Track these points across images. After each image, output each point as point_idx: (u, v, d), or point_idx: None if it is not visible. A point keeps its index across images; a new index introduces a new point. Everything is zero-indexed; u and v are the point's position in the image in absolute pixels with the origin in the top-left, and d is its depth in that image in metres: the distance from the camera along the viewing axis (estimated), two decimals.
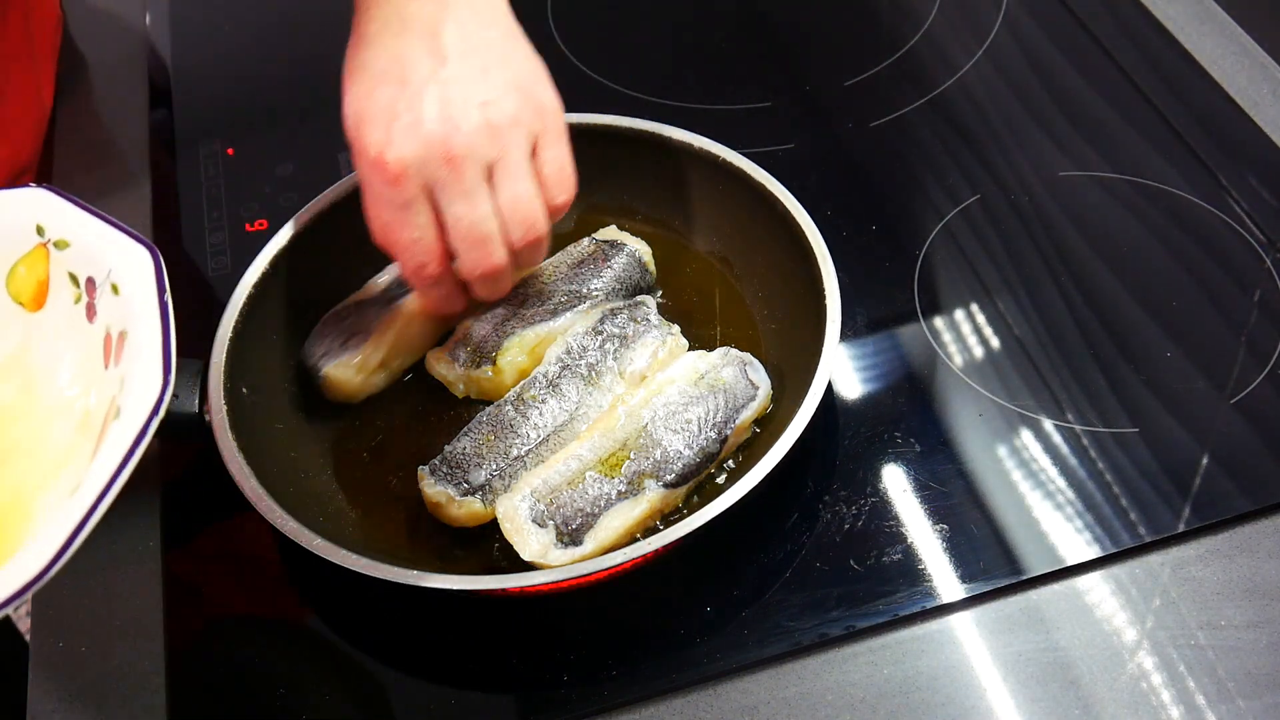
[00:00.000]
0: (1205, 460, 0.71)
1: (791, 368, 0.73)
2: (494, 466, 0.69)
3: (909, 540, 0.69)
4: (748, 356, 0.73)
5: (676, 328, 0.76)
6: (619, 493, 0.67)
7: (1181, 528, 0.68)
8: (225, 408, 0.68)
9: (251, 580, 0.72)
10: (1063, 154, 0.89)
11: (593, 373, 0.73)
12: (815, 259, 0.72)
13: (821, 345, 0.69)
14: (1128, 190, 0.86)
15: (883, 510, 0.70)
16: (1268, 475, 0.70)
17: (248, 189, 0.92)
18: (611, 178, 0.82)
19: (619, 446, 0.69)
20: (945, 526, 0.69)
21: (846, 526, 0.70)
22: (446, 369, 0.75)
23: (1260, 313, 0.78)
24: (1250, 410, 0.73)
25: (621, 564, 0.62)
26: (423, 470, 0.70)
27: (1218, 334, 0.77)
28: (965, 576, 0.67)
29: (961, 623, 0.66)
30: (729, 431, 0.70)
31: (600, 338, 0.74)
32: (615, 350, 0.74)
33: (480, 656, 0.67)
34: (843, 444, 0.74)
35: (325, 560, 0.62)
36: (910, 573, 0.68)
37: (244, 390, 0.71)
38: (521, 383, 0.73)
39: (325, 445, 0.75)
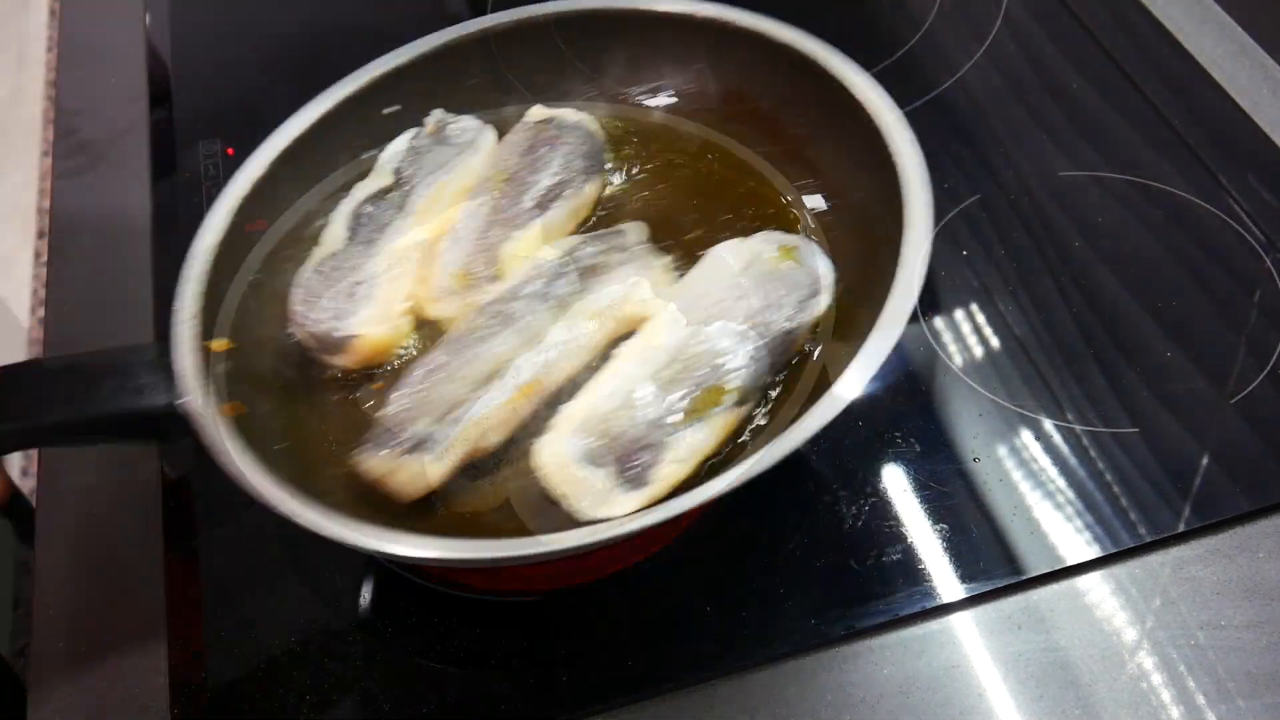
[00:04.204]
0: (1205, 460, 0.71)
1: (863, 269, 0.66)
2: (435, 415, 0.61)
3: (909, 540, 0.69)
4: (795, 238, 0.65)
5: (667, 258, 0.69)
6: (684, 414, 0.58)
7: (1181, 528, 0.68)
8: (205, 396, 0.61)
9: (253, 579, 0.72)
10: (1063, 154, 0.89)
11: (557, 307, 0.65)
12: (887, 139, 0.67)
13: (902, 227, 0.61)
14: (1128, 190, 0.86)
15: (883, 510, 0.70)
16: (1268, 475, 0.70)
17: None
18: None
19: (670, 358, 0.60)
20: (945, 526, 0.69)
21: (846, 526, 0.70)
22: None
23: (1260, 313, 0.78)
24: (1250, 410, 0.73)
25: (713, 497, 0.54)
26: (358, 453, 0.62)
27: (1218, 334, 0.77)
28: (965, 576, 0.67)
29: (961, 623, 0.66)
30: (798, 329, 0.61)
31: (571, 267, 0.66)
32: (585, 282, 0.66)
33: (480, 656, 0.67)
34: (843, 444, 0.74)
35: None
36: (910, 573, 0.68)
37: (219, 368, 0.64)
38: (469, 314, 0.66)
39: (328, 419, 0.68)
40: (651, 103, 0.81)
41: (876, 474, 0.72)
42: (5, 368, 0.62)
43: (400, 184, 0.73)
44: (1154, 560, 0.68)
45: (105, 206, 0.95)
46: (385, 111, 0.78)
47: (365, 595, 0.70)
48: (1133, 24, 0.98)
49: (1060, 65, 0.96)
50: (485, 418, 0.61)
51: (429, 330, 0.69)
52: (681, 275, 0.68)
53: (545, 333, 0.64)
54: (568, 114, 0.76)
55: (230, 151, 0.95)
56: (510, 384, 0.62)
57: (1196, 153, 0.88)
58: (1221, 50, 0.95)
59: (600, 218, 0.75)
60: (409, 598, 0.69)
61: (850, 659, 0.65)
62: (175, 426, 0.61)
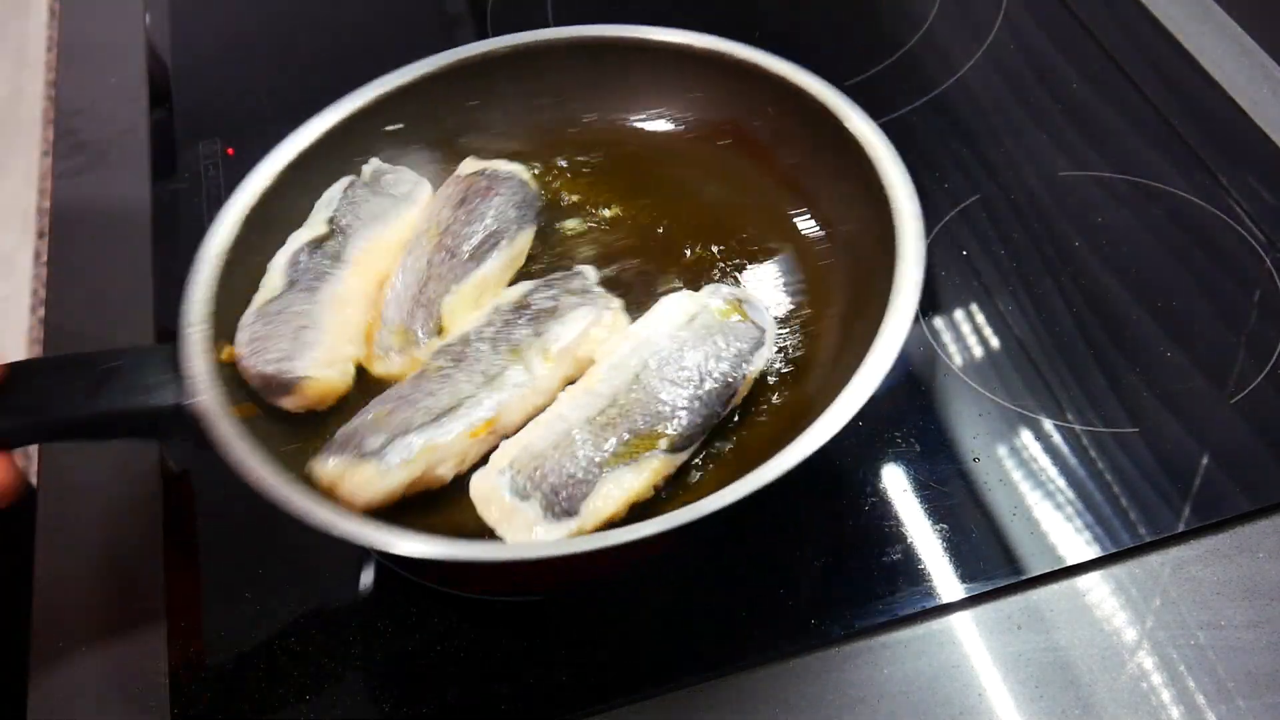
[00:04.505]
0: (1205, 460, 0.71)
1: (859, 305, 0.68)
2: (391, 433, 0.62)
3: (909, 540, 0.69)
4: (742, 292, 0.68)
5: (618, 302, 0.70)
6: (614, 455, 0.60)
7: (1181, 528, 0.68)
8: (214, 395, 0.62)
9: (253, 578, 0.72)
10: (1063, 154, 0.89)
11: (513, 350, 0.66)
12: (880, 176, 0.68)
13: (894, 257, 0.63)
14: (1128, 190, 0.86)
15: (883, 510, 0.70)
16: (1268, 475, 0.70)
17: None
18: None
19: (608, 403, 0.62)
20: (945, 526, 0.69)
21: (846, 526, 0.70)
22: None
23: (1260, 313, 0.78)
24: (1250, 410, 0.73)
25: (646, 536, 0.55)
26: (314, 460, 0.63)
27: (1218, 334, 0.77)
28: (965, 576, 0.67)
29: (961, 623, 0.66)
30: (737, 381, 0.63)
31: (527, 311, 0.68)
32: (539, 326, 0.67)
33: (480, 656, 0.67)
34: (842, 444, 0.73)
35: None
36: (910, 573, 0.68)
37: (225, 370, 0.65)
38: (428, 358, 0.67)
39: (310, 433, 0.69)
40: (649, 128, 0.82)
41: (876, 474, 0.72)
42: (16, 364, 0.62)
43: (335, 234, 0.74)
44: (1154, 560, 0.68)
45: (105, 206, 0.95)
46: (388, 129, 0.79)
47: (365, 595, 0.70)
48: (1133, 24, 0.98)
49: (1060, 65, 0.96)
50: (439, 447, 0.63)
51: (374, 384, 0.70)
52: (635, 317, 0.69)
53: (504, 374, 0.65)
54: (500, 165, 0.78)
55: (230, 151, 0.95)
56: (467, 418, 0.64)
57: (1196, 153, 0.88)
58: (1221, 50, 0.95)
59: (584, 253, 0.77)
60: (409, 598, 0.69)
61: (850, 659, 0.65)
62: (184, 425, 0.62)
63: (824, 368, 0.67)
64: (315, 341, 0.68)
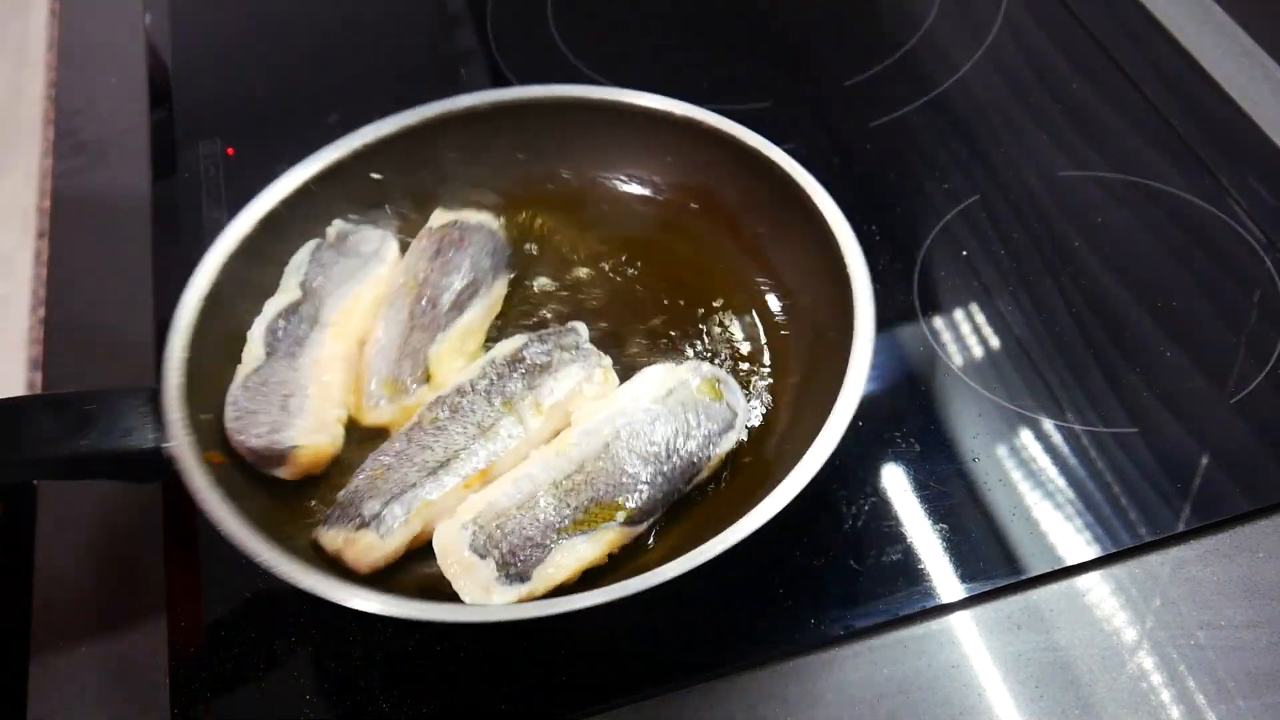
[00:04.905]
0: (1205, 460, 0.71)
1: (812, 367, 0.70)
2: (387, 496, 0.64)
3: (909, 540, 0.69)
4: (722, 373, 0.69)
5: (608, 360, 0.71)
6: (574, 523, 0.62)
7: (1181, 528, 0.68)
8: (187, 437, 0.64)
9: (253, 579, 0.72)
10: (1063, 154, 0.89)
11: (506, 403, 0.68)
12: (850, 278, 0.68)
13: (849, 353, 0.64)
14: (1128, 190, 0.86)
15: (883, 510, 0.70)
16: (1268, 475, 0.70)
17: (248, 189, 0.92)
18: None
19: (575, 468, 0.64)
20: (945, 526, 0.69)
21: (846, 526, 0.70)
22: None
23: (1260, 313, 0.78)
24: (1250, 410, 0.73)
25: (582, 608, 0.57)
26: (319, 527, 0.65)
27: (1218, 334, 0.77)
28: (965, 576, 0.67)
29: (961, 623, 0.66)
30: (702, 461, 0.65)
31: (520, 365, 0.69)
32: (532, 380, 0.69)
33: (480, 656, 0.67)
34: (842, 444, 0.73)
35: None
36: (910, 573, 0.68)
37: (201, 417, 0.67)
38: (421, 409, 0.69)
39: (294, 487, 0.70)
40: (623, 188, 0.83)
41: (876, 474, 0.72)
42: None
43: (309, 297, 0.75)
44: (1154, 560, 0.68)
45: (105, 206, 0.95)
46: (374, 176, 0.80)
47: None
48: (1133, 24, 0.98)
49: (1060, 65, 0.96)
50: (435, 502, 0.65)
51: (364, 435, 0.71)
52: (621, 376, 0.71)
53: (496, 426, 0.67)
54: (469, 216, 0.79)
55: (230, 151, 0.95)
56: (460, 472, 0.66)
57: (1196, 153, 0.88)
58: (1221, 50, 0.95)
59: (554, 309, 0.78)
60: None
61: (850, 659, 0.65)
62: (160, 469, 0.63)
63: (778, 438, 0.69)
64: (301, 409, 0.69)
